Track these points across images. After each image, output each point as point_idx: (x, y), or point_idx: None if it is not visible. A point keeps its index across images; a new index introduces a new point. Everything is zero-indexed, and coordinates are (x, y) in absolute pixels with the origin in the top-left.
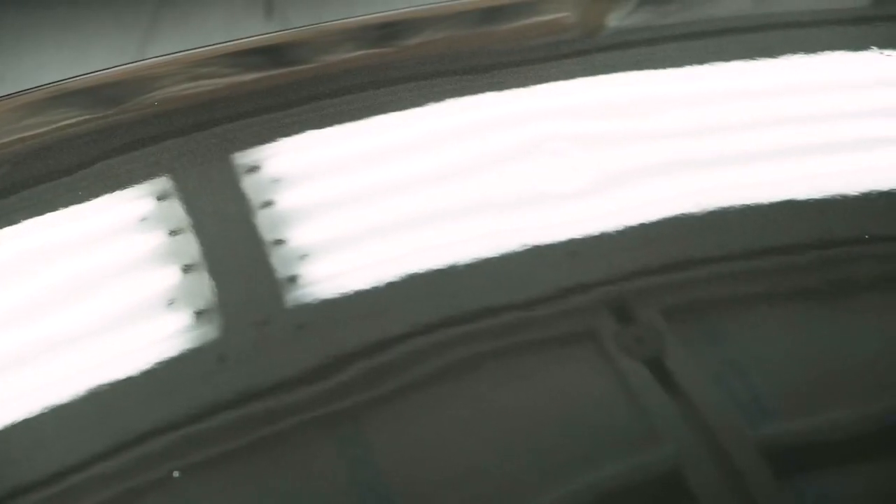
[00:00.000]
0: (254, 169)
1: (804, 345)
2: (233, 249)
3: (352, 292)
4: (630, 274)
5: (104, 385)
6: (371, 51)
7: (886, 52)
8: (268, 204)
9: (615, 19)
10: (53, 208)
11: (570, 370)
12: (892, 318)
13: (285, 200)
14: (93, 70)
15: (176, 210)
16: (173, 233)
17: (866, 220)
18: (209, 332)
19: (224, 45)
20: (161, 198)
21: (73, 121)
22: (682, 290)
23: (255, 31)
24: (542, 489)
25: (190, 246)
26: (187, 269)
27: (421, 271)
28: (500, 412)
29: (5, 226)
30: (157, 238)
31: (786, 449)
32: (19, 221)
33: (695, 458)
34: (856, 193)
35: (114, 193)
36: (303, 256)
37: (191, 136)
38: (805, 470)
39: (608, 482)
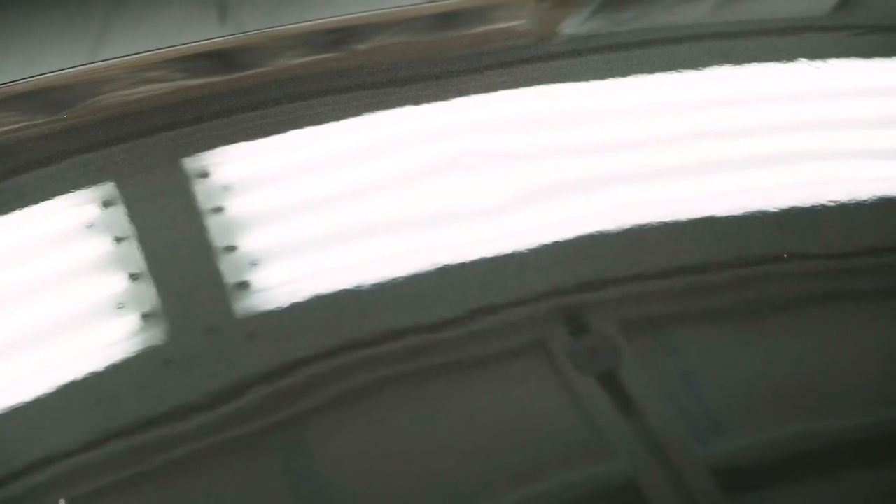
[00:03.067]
0: (204, 175)
1: (755, 359)
2: (183, 256)
3: (302, 300)
4: (573, 288)
5: (50, 389)
6: (325, 56)
7: (816, 63)
8: (218, 210)
9: (570, 26)
10: None
11: (497, 385)
12: (844, 333)
13: (235, 207)
14: (40, 73)
15: (126, 216)
16: (122, 238)
17: (819, 233)
18: (156, 336)
19: (175, 48)
20: (109, 203)
21: (20, 125)
22: (606, 306)
23: (208, 34)
24: None
25: (139, 252)
26: (135, 275)
27: (369, 281)
28: (449, 426)
29: None
30: (105, 244)
31: (737, 464)
32: None
33: (645, 472)
34: (810, 205)
35: (61, 198)
36: (251, 263)
37: (140, 140)
38: (755, 485)
39: (558, 498)
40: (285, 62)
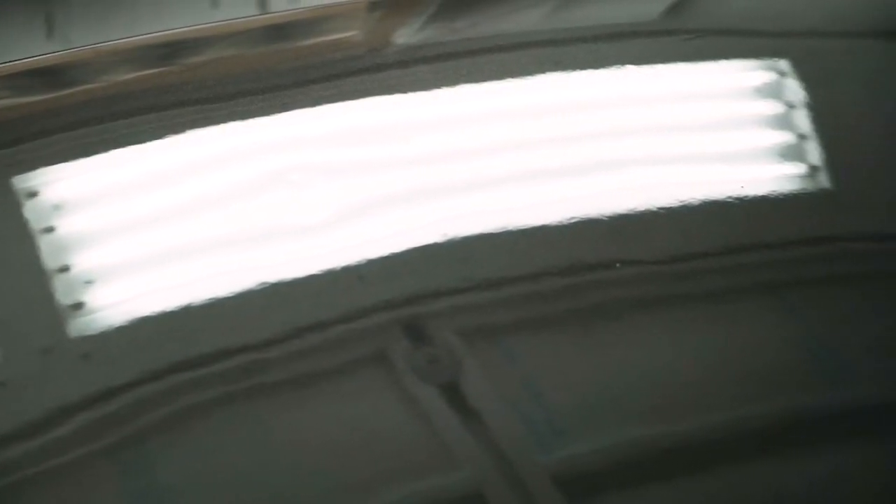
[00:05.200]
0: (33, 194)
1: (596, 365)
2: (14, 277)
3: (135, 319)
4: (407, 301)
5: None
6: (154, 71)
7: (646, 69)
8: (49, 230)
9: (402, 37)
10: None
11: (336, 399)
12: (683, 337)
13: (66, 226)
14: None
15: None
16: None
17: (653, 238)
18: None
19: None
20: None
21: None
22: (441, 318)
23: (35, 50)
24: None
25: None
26: None
27: (203, 300)
28: (290, 440)
29: None
30: None
31: (576, 471)
32: None
33: (487, 481)
34: (643, 211)
35: None
36: (85, 283)
37: None
38: (596, 490)
39: None
40: (114, 78)
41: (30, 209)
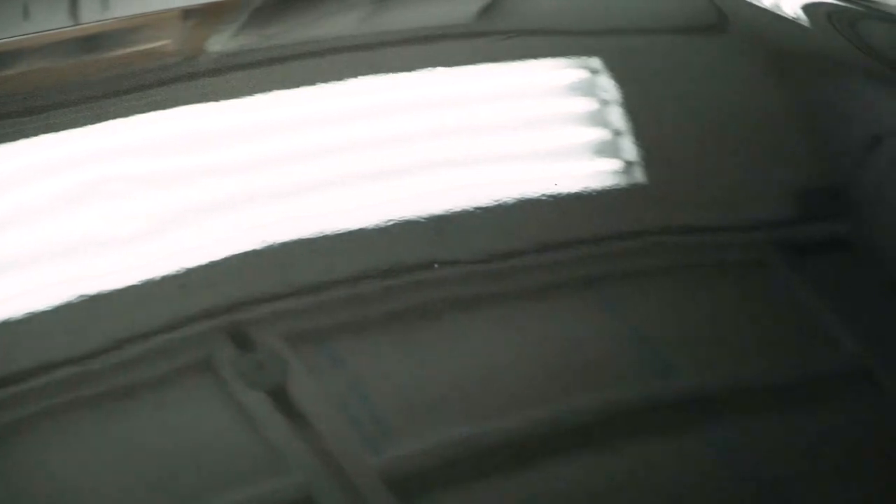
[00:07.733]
0: None
1: (419, 365)
2: None
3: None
4: (228, 308)
5: None
6: None
7: (461, 70)
8: None
9: (216, 44)
10: None
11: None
12: (504, 335)
13: None
14: None
15: None
16: None
17: (467, 239)
18: None
19: None
20: None
21: None
22: (263, 322)
23: None
24: None
25: None
26: None
27: (23, 313)
28: (116, 452)
29: None
30: None
31: (406, 471)
32: None
33: (317, 484)
34: (459, 210)
35: None
36: None
37: None
38: (425, 490)
39: None
40: None
41: None
